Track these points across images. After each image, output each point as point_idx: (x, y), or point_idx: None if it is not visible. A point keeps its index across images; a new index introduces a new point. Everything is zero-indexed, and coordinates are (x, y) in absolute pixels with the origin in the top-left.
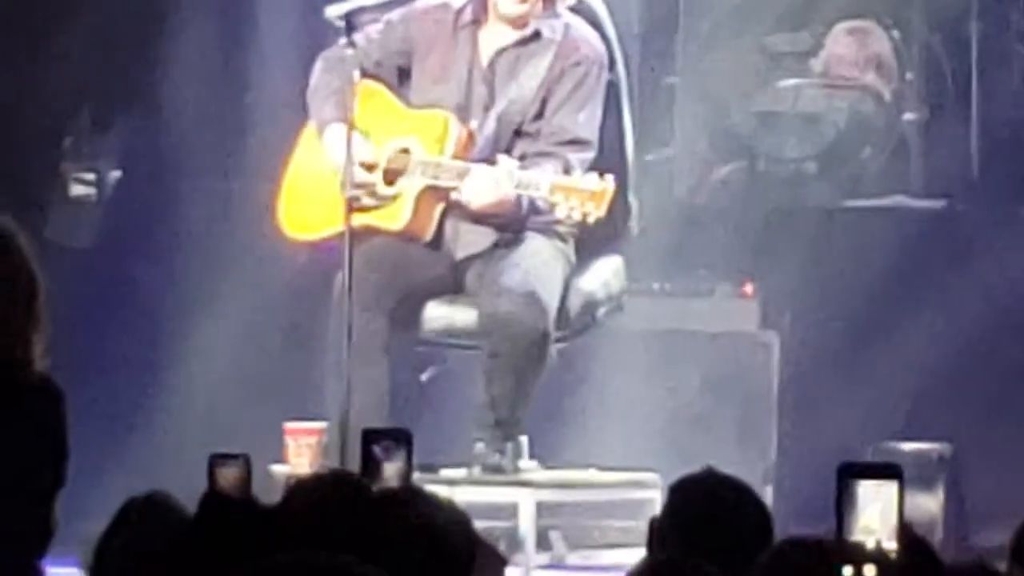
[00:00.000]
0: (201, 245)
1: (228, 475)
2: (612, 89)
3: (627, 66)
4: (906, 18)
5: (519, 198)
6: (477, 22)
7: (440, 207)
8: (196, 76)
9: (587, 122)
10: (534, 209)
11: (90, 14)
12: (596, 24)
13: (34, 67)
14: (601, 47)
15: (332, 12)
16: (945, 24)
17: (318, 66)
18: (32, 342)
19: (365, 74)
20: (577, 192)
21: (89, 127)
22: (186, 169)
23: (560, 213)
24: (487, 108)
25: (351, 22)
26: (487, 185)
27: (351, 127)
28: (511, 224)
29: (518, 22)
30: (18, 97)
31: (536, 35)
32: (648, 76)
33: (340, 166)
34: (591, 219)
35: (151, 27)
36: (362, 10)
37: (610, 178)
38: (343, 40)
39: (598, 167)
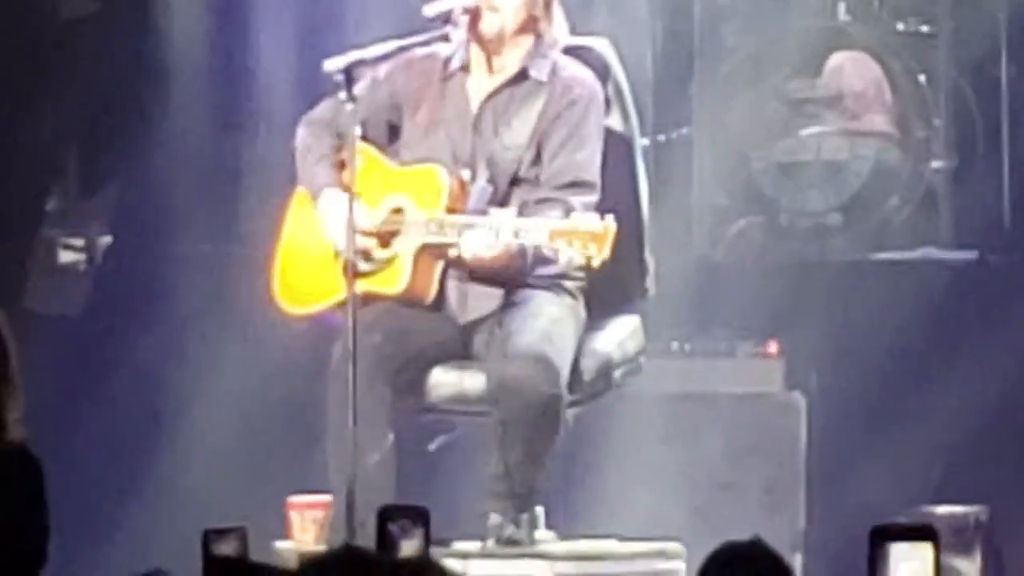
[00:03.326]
0: (195, 313)
1: (224, 550)
2: (624, 142)
3: (640, 117)
4: (933, 62)
5: (522, 248)
6: (465, 69)
7: (439, 266)
8: (187, 137)
9: (588, 163)
10: (539, 259)
11: (76, 73)
12: (605, 72)
13: (14, 125)
14: (596, 85)
15: (331, 66)
16: (974, 67)
17: (302, 130)
18: (5, 407)
19: None
20: (578, 235)
21: (75, 190)
22: (178, 234)
23: (563, 259)
24: (480, 157)
25: (351, 75)
26: (486, 238)
27: (354, 183)
28: (516, 277)
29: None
30: None
31: (523, 75)
32: (663, 127)
33: (336, 236)
34: (595, 262)
35: (139, 88)
36: (362, 63)
37: (611, 218)
38: (343, 94)
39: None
